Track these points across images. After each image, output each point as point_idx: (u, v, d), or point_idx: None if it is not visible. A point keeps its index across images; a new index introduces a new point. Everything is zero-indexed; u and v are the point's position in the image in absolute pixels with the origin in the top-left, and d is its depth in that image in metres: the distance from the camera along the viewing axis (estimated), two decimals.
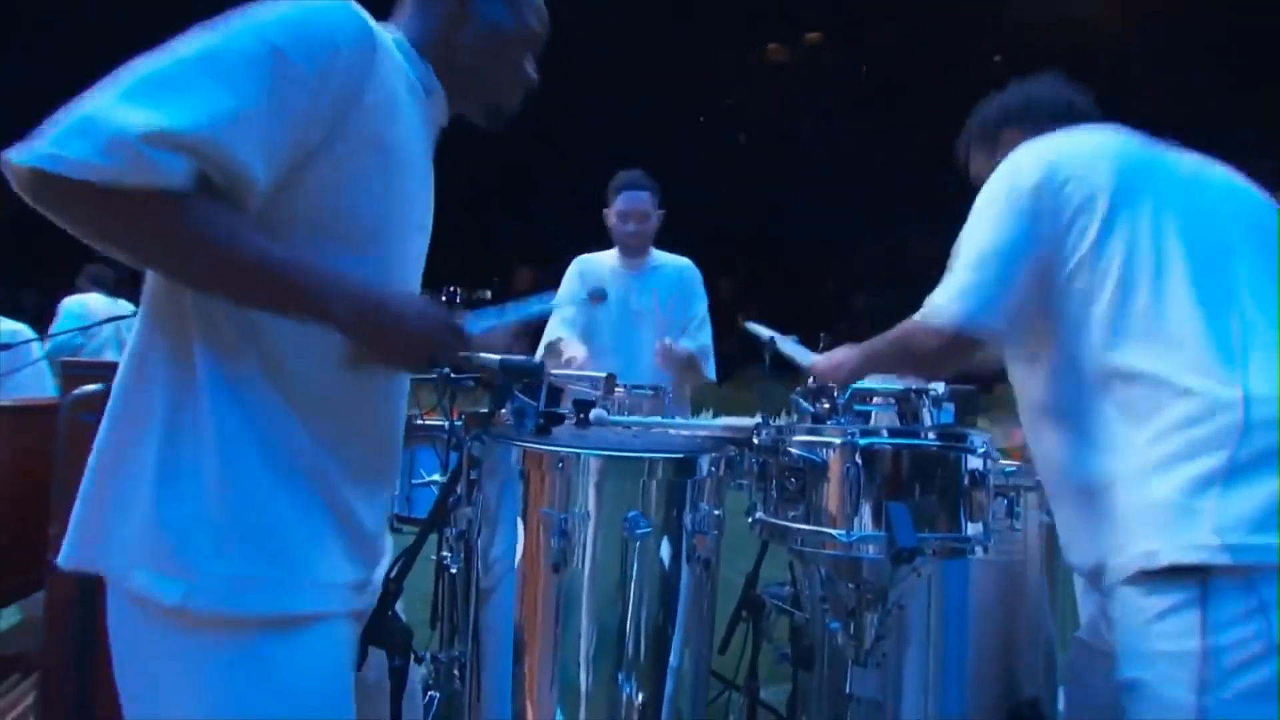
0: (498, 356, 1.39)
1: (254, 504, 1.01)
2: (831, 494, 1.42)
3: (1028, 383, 1.53)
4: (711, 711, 1.92)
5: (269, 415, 1.04)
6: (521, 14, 1.28)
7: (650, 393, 2.21)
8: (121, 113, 0.87)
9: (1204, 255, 1.37)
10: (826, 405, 1.58)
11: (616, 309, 3.12)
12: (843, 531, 1.39)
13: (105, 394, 1.07)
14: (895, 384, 1.66)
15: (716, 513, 1.39)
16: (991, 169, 1.58)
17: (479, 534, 1.36)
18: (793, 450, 1.46)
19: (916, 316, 1.50)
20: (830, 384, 1.62)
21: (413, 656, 1.23)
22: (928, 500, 1.40)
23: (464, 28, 1.22)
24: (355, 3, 1.06)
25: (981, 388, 1.93)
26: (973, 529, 1.44)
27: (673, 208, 3.25)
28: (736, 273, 19.82)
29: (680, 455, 1.38)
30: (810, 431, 1.49)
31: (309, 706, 1.03)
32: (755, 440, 1.53)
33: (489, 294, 1.62)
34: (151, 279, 1.08)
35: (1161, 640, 1.26)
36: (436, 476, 1.90)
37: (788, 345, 1.85)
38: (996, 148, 1.69)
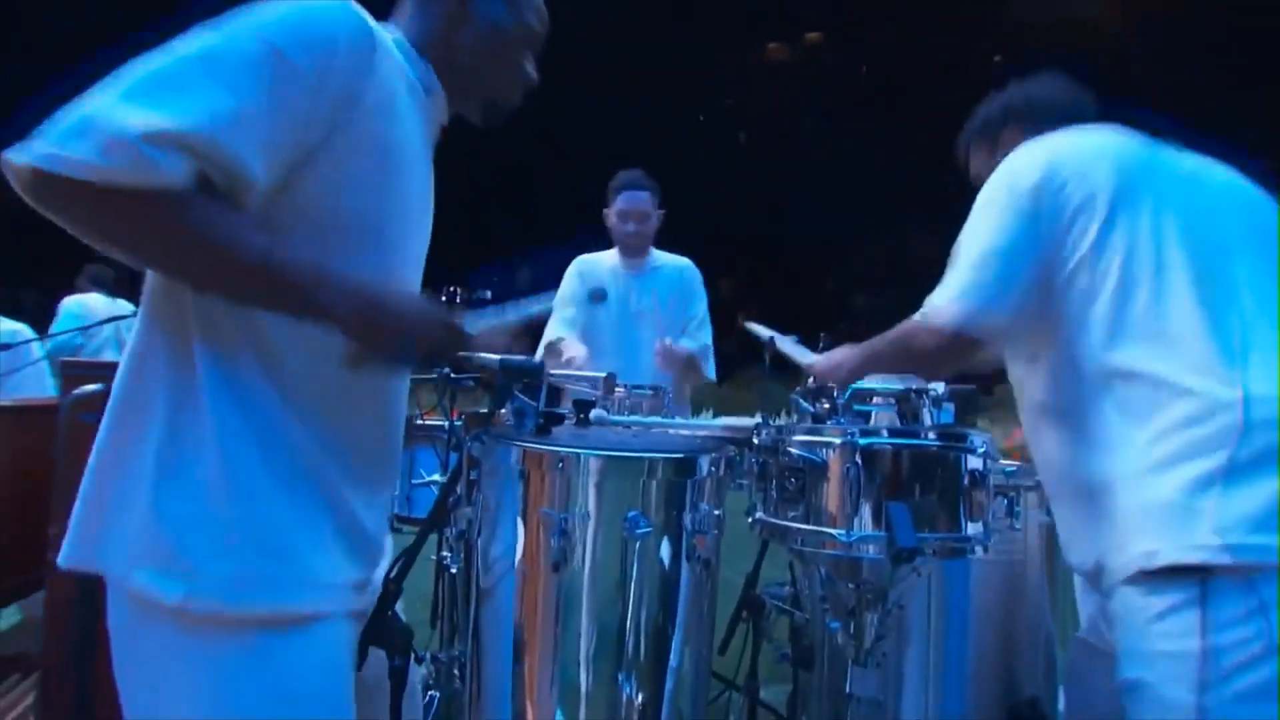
0: (497, 356, 1.39)
1: (254, 503, 1.01)
2: (831, 494, 1.42)
3: (1028, 383, 1.53)
4: (712, 711, 1.92)
5: (269, 415, 1.04)
6: (521, 13, 1.28)
7: (650, 393, 2.21)
8: (122, 112, 0.88)
9: (1204, 255, 1.37)
10: (826, 405, 1.58)
11: (616, 309, 3.13)
12: (843, 531, 1.39)
13: (105, 394, 1.08)
14: (895, 384, 1.66)
15: (716, 513, 1.39)
16: (991, 168, 1.58)
17: (479, 534, 1.36)
18: (793, 450, 1.45)
19: (917, 316, 1.49)
20: (830, 384, 1.62)
21: (413, 656, 1.24)
22: (928, 500, 1.40)
23: (464, 27, 1.22)
24: (355, 2, 1.06)
25: (981, 388, 1.93)
26: (973, 529, 1.44)
27: (673, 208, 3.25)
28: (736, 273, 19.81)
29: (680, 455, 1.38)
30: (810, 431, 1.49)
31: (309, 706, 1.03)
32: (755, 440, 1.53)
33: (489, 294, 1.62)
34: (151, 279, 1.08)
35: (1162, 640, 1.26)
36: (436, 476, 1.90)
37: (787, 345, 1.85)
38: (997, 147, 1.68)
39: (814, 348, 1.83)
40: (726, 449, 1.50)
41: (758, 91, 22.18)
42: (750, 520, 1.57)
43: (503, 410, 1.37)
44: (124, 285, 4.78)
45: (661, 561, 1.33)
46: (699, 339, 3.14)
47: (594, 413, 1.54)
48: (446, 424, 1.76)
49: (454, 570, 1.44)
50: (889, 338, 1.57)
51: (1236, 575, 1.22)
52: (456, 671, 1.39)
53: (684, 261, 3.26)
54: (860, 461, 1.39)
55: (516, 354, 1.31)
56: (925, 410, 1.54)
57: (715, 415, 1.93)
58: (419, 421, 1.88)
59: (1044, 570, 1.88)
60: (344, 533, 1.10)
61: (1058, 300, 1.41)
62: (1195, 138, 1.54)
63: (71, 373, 1.85)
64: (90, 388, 1.74)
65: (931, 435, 1.46)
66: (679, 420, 1.93)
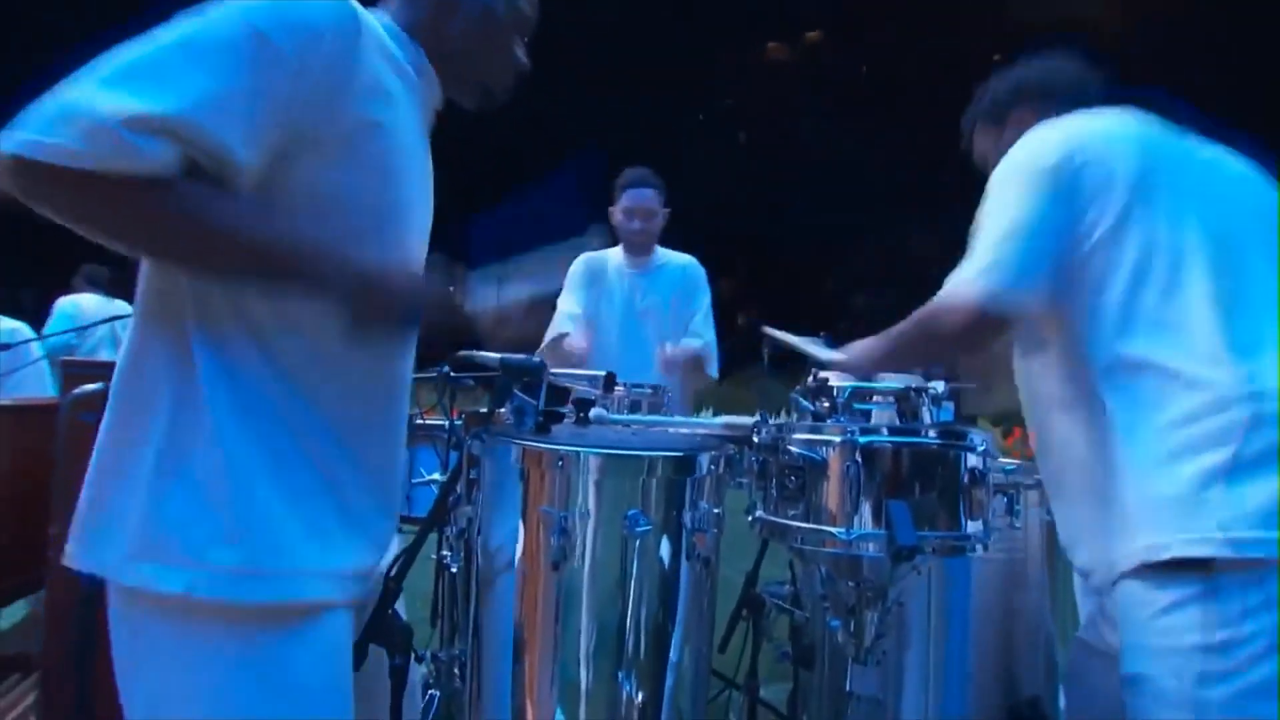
0: (498, 355, 1.39)
1: (254, 494, 1.01)
2: (831, 492, 1.42)
3: (1034, 371, 1.50)
4: (712, 710, 1.92)
5: (269, 406, 1.03)
6: None
7: (649, 391, 2.21)
8: (102, 98, 0.87)
9: (1221, 246, 1.34)
10: (826, 404, 1.58)
11: (621, 307, 3.12)
12: (843, 529, 1.39)
13: (105, 393, 1.07)
14: (894, 382, 1.66)
15: (716, 511, 1.39)
16: (998, 148, 1.54)
17: (479, 532, 1.36)
18: (792, 448, 1.45)
19: (939, 296, 1.44)
20: (858, 378, 1.58)
21: (413, 655, 1.24)
22: (928, 498, 1.40)
23: (454, 12, 1.22)
24: None
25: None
26: (973, 527, 1.44)
27: (672, 207, 3.25)
28: (736, 273, 19.79)
29: (680, 453, 1.38)
30: (810, 430, 1.49)
31: (310, 698, 1.03)
32: (755, 438, 1.53)
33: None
34: (144, 277, 1.08)
35: (1166, 635, 1.25)
36: (436, 475, 1.90)
37: (809, 345, 1.79)
38: (1005, 126, 1.65)
39: None
40: (726, 447, 1.50)
41: (758, 91, 22.17)
42: (750, 518, 1.57)
43: (502, 409, 1.37)
44: (120, 285, 4.78)
45: (661, 560, 1.33)
46: (704, 335, 3.13)
47: (594, 411, 1.55)
48: (446, 423, 1.77)
49: (454, 569, 1.44)
50: (912, 322, 1.50)
51: (1244, 570, 1.21)
52: (456, 670, 1.39)
53: (688, 259, 3.25)
54: (860, 460, 1.39)
55: (527, 333, 1.30)
56: (925, 408, 1.54)
57: (715, 414, 1.93)
58: (419, 421, 1.88)
59: (1044, 568, 1.89)
60: (348, 520, 1.10)
61: (1070, 285, 1.37)
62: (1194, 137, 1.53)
63: (71, 372, 1.85)
64: (90, 387, 1.74)
65: (931, 433, 1.46)
66: (679, 419, 1.93)
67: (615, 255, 3.21)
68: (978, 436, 1.47)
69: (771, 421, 1.54)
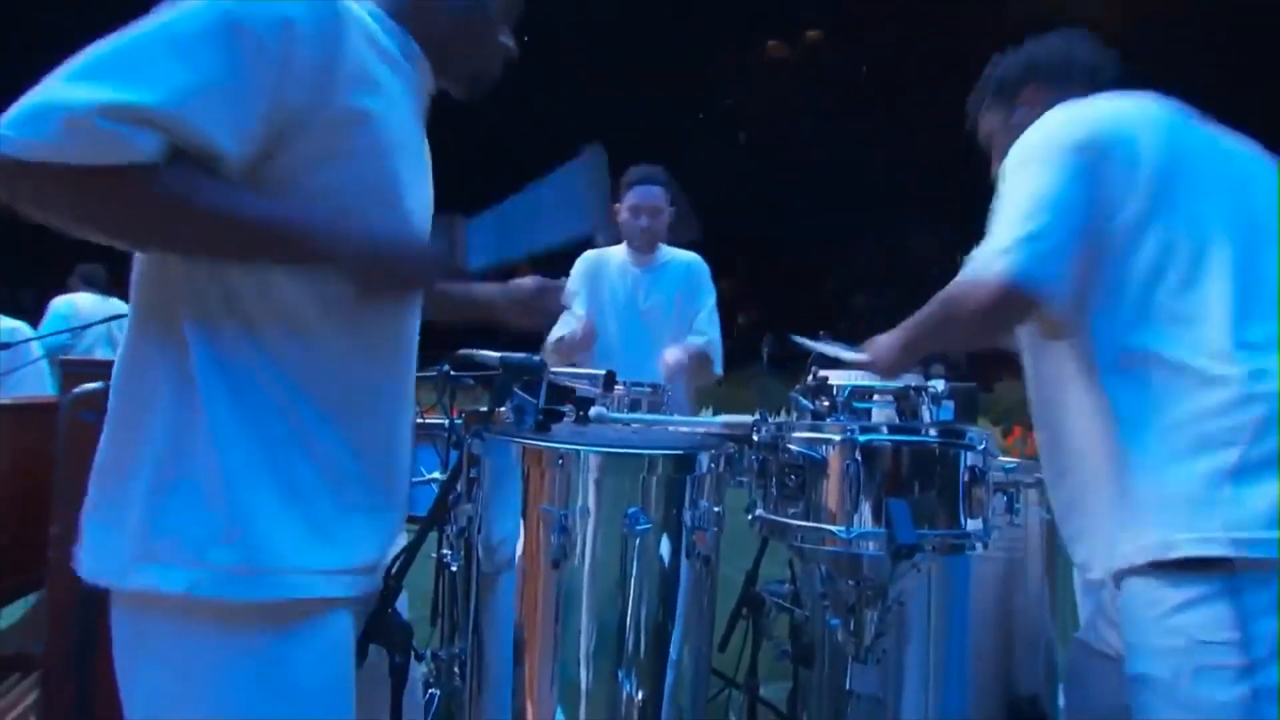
0: (498, 354, 1.39)
1: (254, 493, 1.00)
2: (831, 491, 1.42)
3: (1043, 361, 1.46)
4: (712, 709, 1.92)
5: (266, 400, 1.03)
6: None
7: (649, 390, 2.20)
8: (77, 91, 0.87)
9: (1243, 239, 1.30)
10: (826, 402, 1.58)
11: (626, 306, 3.11)
12: (842, 528, 1.39)
13: (105, 392, 1.07)
14: (894, 381, 1.66)
15: (716, 509, 1.39)
16: (1009, 129, 1.50)
17: (479, 531, 1.36)
18: (792, 447, 1.46)
19: (961, 276, 1.37)
20: (884, 376, 1.55)
21: (413, 654, 1.24)
22: (927, 497, 1.40)
23: (439, 1, 1.21)
24: None
25: (982, 386, 1.92)
26: (972, 525, 1.44)
27: (673, 207, 3.24)
28: (736, 273, 19.82)
29: (680, 452, 1.38)
30: (810, 428, 1.49)
31: (310, 697, 1.03)
32: (755, 437, 1.53)
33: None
34: (137, 276, 1.07)
35: (1175, 634, 1.23)
36: (436, 474, 1.90)
37: (832, 349, 1.73)
38: (1016, 105, 1.59)
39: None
40: (726, 446, 1.50)
41: (758, 91, 22.19)
42: (750, 517, 1.57)
43: (503, 408, 1.37)
44: (117, 284, 4.78)
45: (661, 558, 1.33)
46: (708, 332, 3.11)
47: (594, 410, 1.54)
48: (447, 422, 1.77)
49: (454, 568, 1.44)
50: (932, 306, 1.43)
51: (1257, 571, 1.19)
52: (457, 669, 1.39)
53: (692, 256, 3.23)
54: (860, 458, 1.39)
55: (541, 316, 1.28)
56: (924, 407, 1.54)
57: (715, 412, 1.93)
58: (419, 420, 1.88)
59: (1044, 567, 1.88)
60: (350, 513, 1.09)
61: (1088, 272, 1.32)
62: None
63: (71, 371, 1.85)
64: (90, 386, 1.73)
65: (931, 432, 1.46)
66: (679, 417, 1.93)
67: (619, 253, 3.19)
68: (977, 435, 1.47)
69: (771, 420, 1.54)
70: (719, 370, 3.13)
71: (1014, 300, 1.30)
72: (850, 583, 1.49)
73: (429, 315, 1.29)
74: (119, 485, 1.02)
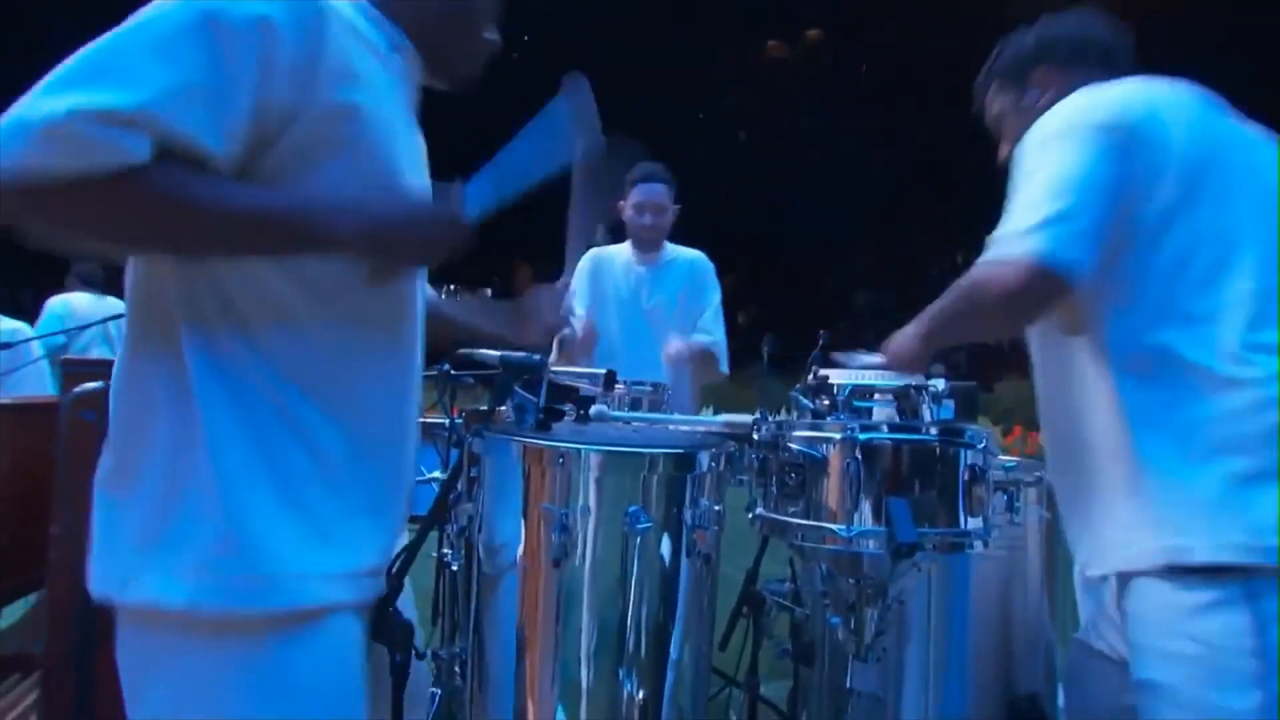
0: (498, 353, 1.40)
1: (253, 500, 1.00)
2: (831, 489, 1.42)
3: (1052, 356, 1.42)
4: (712, 708, 1.92)
5: (263, 403, 1.02)
6: None
7: (649, 388, 2.21)
8: (56, 101, 0.85)
9: (1266, 238, 1.26)
10: (826, 401, 1.58)
11: (630, 304, 3.10)
12: (843, 527, 1.39)
13: (105, 391, 1.07)
14: (894, 380, 1.66)
15: (717, 508, 1.39)
16: (1018, 110, 1.45)
17: (480, 530, 1.36)
18: (793, 446, 1.46)
19: (983, 261, 1.31)
20: (911, 370, 1.50)
21: (414, 653, 1.23)
22: (927, 495, 1.40)
23: None
24: None
25: (982, 386, 1.92)
26: (972, 524, 1.44)
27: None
28: (736, 273, 19.81)
29: (680, 450, 1.38)
30: (810, 427, 1.49)
31: (317, 703, 1.02)
32: (755, 436, 1.53)
33: (489, 292, 1.62)
34: (130, 282, 1.06)
35: (1189, 639, 1.20)
36: (437, 474, 1.90)
37: (856, 360, 1.66)
38: (1027, 87, 1.53)
39: (813, 347, 1.81)
40: (727, 444, 1.50)
41: (758, 91, 22.19)
42: (750, 516, 1.57)
43: (503, 407, 1.37)
44: (114, 283, 4.76)
45: (662, 557, 1.33)
46: (713, 332, 3.11)
47: (594, 409, 1.54)
48: (447, 421, 1.77)
49: (455, 567, 1.44)
50: (955, 291, 1.35)
51: (1275, 577, 1.17)
52: (457, 668, 1.39)
53: (696, 254, 3.21)
54: (860, 457, 1.39)
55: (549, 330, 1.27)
56: (925, 406, 1.54)
57: (716, 411, 1.93)
58: (419, 420, 1.87)
59: (1044, 566, 1.88)
60: (352, 515, 1.08)
61: (1108, 263, 1.26)
62: None
63: (71, 370, 1.85)
64: (90, 385, 1.73)
65: (931, 431, 1.46)
66: (679, 416, 1.93)
67: (623, 251, 3.18)
68: (977, 434, 1.47)
69: (772, 419, 1.54)
70: (725, 369, 3.12)
71: (1043, 283, 1.23)
72: (850, 581, 1.49)
73: (434, 344, 1.28)
74: (121, 495, 1.01)
